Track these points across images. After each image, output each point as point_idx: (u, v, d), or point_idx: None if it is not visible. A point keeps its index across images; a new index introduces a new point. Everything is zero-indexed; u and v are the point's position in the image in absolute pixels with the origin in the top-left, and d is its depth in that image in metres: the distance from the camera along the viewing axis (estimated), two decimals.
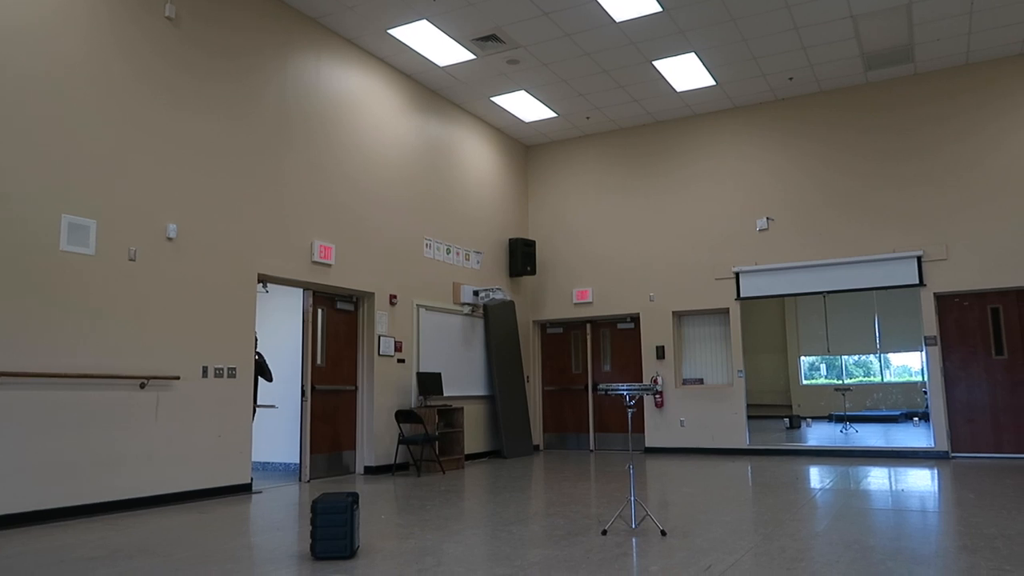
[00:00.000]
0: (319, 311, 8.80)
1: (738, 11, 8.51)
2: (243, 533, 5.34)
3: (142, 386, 6.51)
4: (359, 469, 9.11)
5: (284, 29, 8.29)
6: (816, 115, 10.85)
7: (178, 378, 6.81)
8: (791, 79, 10.37)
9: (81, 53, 6.31)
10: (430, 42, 9.14)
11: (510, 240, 12.19)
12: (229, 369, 7.34)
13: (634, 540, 4.76)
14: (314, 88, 8.64)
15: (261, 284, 8.20)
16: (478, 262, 11.43)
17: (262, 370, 8.44)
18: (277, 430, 9.55)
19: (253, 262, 7.71)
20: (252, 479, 7.55)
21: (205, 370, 7.10)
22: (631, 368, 11.93)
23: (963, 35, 9.19)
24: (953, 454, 9.68)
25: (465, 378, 10.80)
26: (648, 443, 11.37)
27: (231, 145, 7.59)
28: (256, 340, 8.50)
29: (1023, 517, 5.35)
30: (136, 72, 6.74)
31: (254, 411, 8.46)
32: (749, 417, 10.90)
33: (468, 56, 9.51)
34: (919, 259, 9.97)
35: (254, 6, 7.95)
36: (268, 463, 9.63)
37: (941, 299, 10.00)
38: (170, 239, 6.89)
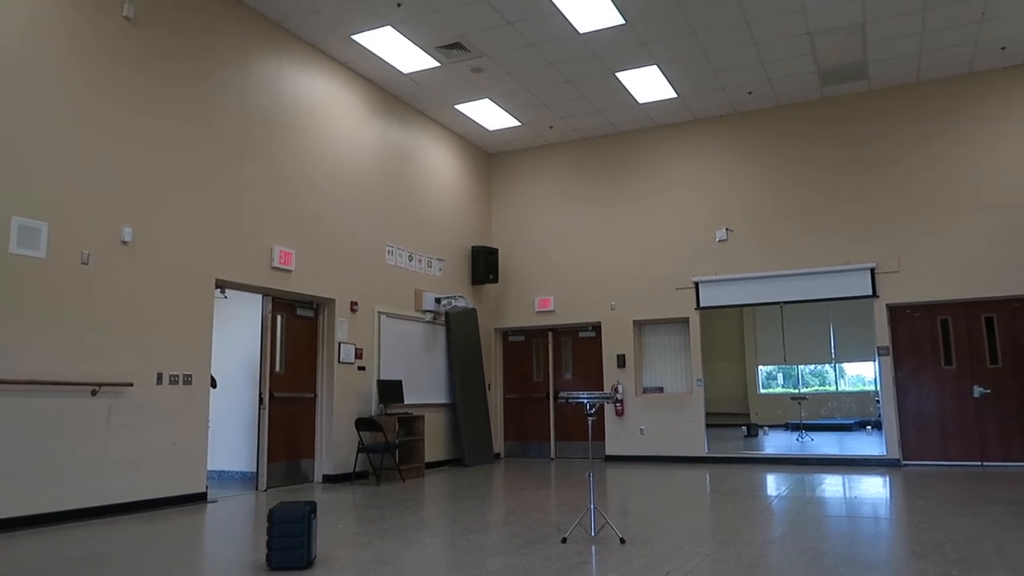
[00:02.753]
0: (278, 317, 8.69)
1: (699, 25, 8.65)
2: (198, 543, 5.24)
3: (93, 393, 6.35)
4: (318, 478, 9.00)
5: (245, 32, 8.20)
6: (774, 129, 11.07)
7: (131, 385, 6.66)
8: (750, 93, 10.57)
9: (34, 52, 6.17)
10: (395, 49, 9.12)
11: (473, 248, 12.19)
12: (185, 376, 7.20)
13: (593, 548, 4.78)
14: (276, 92, 8.56)
15: (219, 290, 8.07)
16: (440, 269, 11.40)
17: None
18: (234, 438, 9.39)
19: (211, 267, 7.59)
20: (208, 488, 7.41)
21: (160, 377, 6.96)
22: (592, 376, 12.00)
23: (914, 54, 9.47)
24: (904, 462, 9.91)
25: (426, 386, 10.75)
26: (608, 451, 11.43)
27: (190, 148, 7.47)
28: None
29: (970, 523, 5.49)
30: (91, 73, 6.60)
31: None
32: (708, 425, 11.03)
33: (432, 63, 9.51)
34: (872, 271, 10.21)
35: (214, 8, 7.85)
36: (224, 471, 9.45)
37: (893, 310, 10.25)
38: (125, 243, 6.75)
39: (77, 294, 6.33)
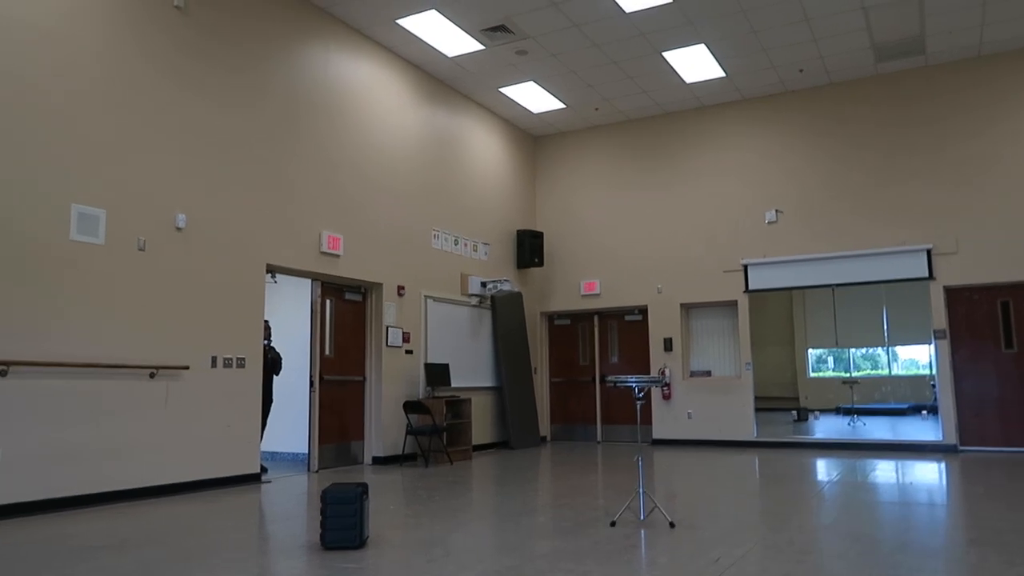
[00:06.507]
0: (327, 302, 8.81)
1: (748, 2, 8.45)
2: (252, 523, 5.37)
3: (152, 376, 6.54)
4: (367, 459, 9.14)
5: (292, 18, 8.28)
6: (826, 107, 10.79)
7: (187, 368, 6.84)
8: (801, 71, 10.31)
9: (89, 42, 6.32)
10: (439, 32, 9.12)
11: (518, 231, 12.18)
12: (238, 359, 7.36)
13: (642, 532, 4.77)
14: (322, 78, 8.63)
15: (270, 274, 8.21)
16: (486, 253, 11.42)
17: (276, 364, 8.44)
18: (286, 420, 9.58)
19: (262, 252, 7.72)
20: (264, 468, 7.57)
21: (214, 360, 7.12)
22: (638, 360, 11.93)
23: (976, 27, 9.11)
24: (961, 447, 9.66)
25: (473, 369, 10.81)
26: (655, 435, 11.37)
27: (239, 135, 7.59)
28: (270, 331, 8.50)
29: None
30: (144, 61, 6.74)
31: (271, 404, 8.44)
32: (757, 409, 10.89)
33: (477, 47, 9.48)
34: (929, 252, 9.92)
35: None
36: (277, 453, 9.67)
37: (951, 292, 9.95)
38: (179, 229, 6.91)
39: (135, 279, 6.50)
